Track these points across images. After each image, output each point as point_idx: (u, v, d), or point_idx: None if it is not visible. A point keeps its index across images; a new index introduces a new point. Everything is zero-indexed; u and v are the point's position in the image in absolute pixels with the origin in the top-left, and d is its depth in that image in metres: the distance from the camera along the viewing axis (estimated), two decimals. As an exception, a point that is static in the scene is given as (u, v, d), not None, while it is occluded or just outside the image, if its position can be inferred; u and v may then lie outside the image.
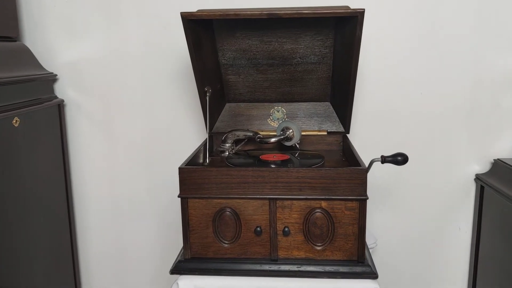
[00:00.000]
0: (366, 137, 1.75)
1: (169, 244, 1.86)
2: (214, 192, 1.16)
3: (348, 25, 1.28)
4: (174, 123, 1.79)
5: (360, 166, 1.15)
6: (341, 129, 1.55)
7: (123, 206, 1.87)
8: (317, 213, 1.16)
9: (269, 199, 1.15)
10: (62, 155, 1.77)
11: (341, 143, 1.55)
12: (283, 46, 1.43)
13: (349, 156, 1.39)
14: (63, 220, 1.78)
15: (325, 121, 1.57)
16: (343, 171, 1.13)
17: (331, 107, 1.57)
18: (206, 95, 1.38)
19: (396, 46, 1.69)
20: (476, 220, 1.77)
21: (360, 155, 1.25)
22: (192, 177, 1.15)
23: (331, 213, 1.16)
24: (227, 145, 1.48)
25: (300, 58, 1.46)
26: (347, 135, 1.54)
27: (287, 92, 1.55)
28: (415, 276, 1.87)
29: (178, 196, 1.17)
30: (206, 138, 1.47)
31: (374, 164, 1.20)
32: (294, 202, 1.16)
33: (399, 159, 1.28)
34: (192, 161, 1.25)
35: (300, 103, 1.58)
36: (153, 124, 1.79)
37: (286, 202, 1.16)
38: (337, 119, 1.56)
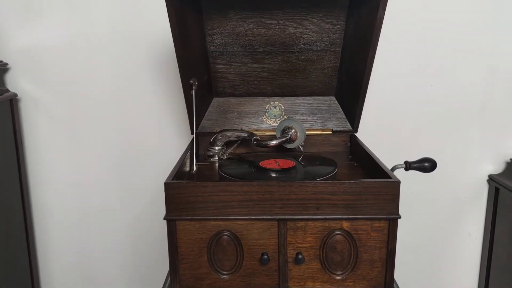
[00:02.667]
0: (370, 135, 1.53)
1: (147, 262, 1.63)
2: (209, 212, 0.93)
3: (367, 5, 1.07)
4: (152, 122, 1.54)
5: (391, 178, 0.93)
6: (348, 127, 1.34)
7: (91, 217, 1.62)
8: (337, 236, 0.95)
9: (278, 220, 0.93)
10: (16, 158, 1.50)
11: (348, 143, 1.34)
12: (285, 30, 1.20)
13: (362, 160, 1.19)
14: (19, 232, 1.51)
15: (330, 118, 1.35)
16: (371, 184, 0.92)
17: (337, 102, 1.36)
18: (192, 89, 1.16)
19: (405, 34, 1.48)
20: (489, 225, 1.61)
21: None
22: (182, 194, 0.92)
23: (354, 235, 0.95)
24: (216, 148, 1.26)
25: (304, 44, 1.23)
26: (355, 134, 1.33)
27: (286, 84, 1.32)
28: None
29: (164, 218, 0.94)
30: (193, 139, 1.22)
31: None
32: (309, 223, 0.94)
33: (426, 165, 1.09)
34: (178, 172, 1.01)
35: (300, 97, 1.36)
36: (127, 123, 1.54)
37: (299, 223, 0.94)
38: (343, 116, 1.35)
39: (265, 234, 0.95)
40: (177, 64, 1.13)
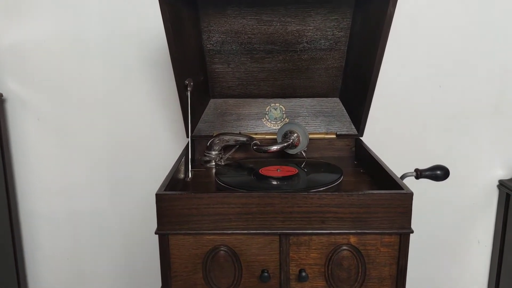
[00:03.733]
0: (375, 139, 1.46)
1: (140, 272, 1.55)
2: (205, 226, 0.85)
3: (375, 1, 1.00)
4: (145, 124, 1.46)
5: (402, 189, 0.85)
6: (353, 131, 1.26)
7: (81, 223, 1.54)
8: (344, 251, 0.87)
9: (280, 234, 0.85)
10: (2, 161, 1.42)
11: (353, 148, 1.26)
12: (287, 27, 1.12)
13: (369, 167, 1.11)
14: (5, 239, 1.44)
15: (334, 121, 1.28)
16: (381, 196, 0.84)
17: (341, 104, 1.29)
18: (187, 89, 1.09)
19: (412, 33, 1.41)
20: (499, 232, 1.54)
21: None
22: (175, 206, 0.84)
23: (362, 251, 0.87)
24: (213, 152, 1.18)
25: (307, 43, 1.15)
26: (361, 138, 1.26)
27: (287, 85, 1.24)
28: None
29: (156, 232, 0.86)
30: (188, 143, 1.15)
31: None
32: (314, 237, 0.87)
33: (439, 174, 1.02)
34: (172, 181, 0.93)
35: (303, 99, 1.28)
36: (118, 126, 1.47)
37: (303, 238, 0.86)
38: (348, 119, 1.28)
39: (266, 249, 0.87)
40: (171, 63, 1.06)
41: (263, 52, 1.17)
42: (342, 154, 1.27)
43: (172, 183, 0.94)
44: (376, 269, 0.88)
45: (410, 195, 0.84)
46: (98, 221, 1.54)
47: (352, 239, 0.87)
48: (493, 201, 1.56)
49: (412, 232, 0.86)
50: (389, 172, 0.95)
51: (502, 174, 1.54)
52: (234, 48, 1.17)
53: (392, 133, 1.49)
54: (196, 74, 1.18)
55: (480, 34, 1.42)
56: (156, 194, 0.84)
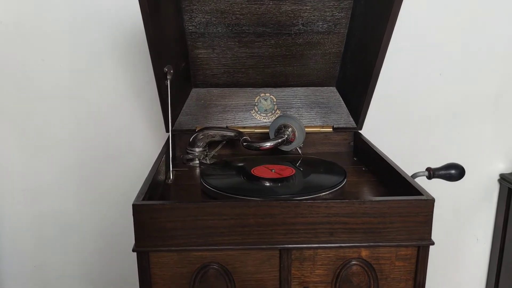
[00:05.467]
0: (370, 131, 1.34)
1: (115, 281, 1.40)
2: (192, 241, 0.72)
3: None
4: (118, 118, 1.32)
5: (422, 194, 0.74)
6: (352, 123, 1.14)
7: (49, 228, 1.39)
8: (354, 267, 0.76)
9: (281, 249, 0.73)
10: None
11: (352, 142, 1.14)
12: (280, 7, 0.99)
13: (371, 164, 1.01)
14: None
15: (330, 113, 1.16)
16: (398, 203, 0.72)
17: (338, 93, 1.16)
18: (166, 78, 0.96)
19: (411, 18, 1.29)
20: (500, 228, 1.46)
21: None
22: (156, 219, 0.71)
23: (374, 266, 0.76)
24: (197, 149, 1.05)
25: (302, 25, 1.02)
26: (360, 131, 1.14)
27: (279, 73, 1.12)
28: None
29: (134, 250, 0.72)
30: (168, 139, 1.01)
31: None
32: (320, 251, 0.74)
33: (453, 173, 0.91)
34: (152, 186, 0.79)
35: (296, 88, 1.16)
36: (88, 119, 1.32)
37: (307, 252, 0.74)
38: (346, 110, 1.16)
39: (264, 266, 0.75)
40: (148, 47, 0.91)
41: (253, 35, 1.04)
42: (339, 150, 1.16)
43: (152, 188, 0.80)
44: (390, 285, 0.77)
45: (431, 202, 0.73)
46: (67, 225, 1.38)
47: (364, 253, 0.75)
48: (493, 197, 1.48)
49: (433, 243, 0.74)
50: (401, 173, 0.83)
51: (503, 168, 1.45)
52: (219, 31, 1.03)
53: (387, 126, 1.38)
54: (177, 60, 1.04)
55: (482, 25, 1.32)
56: (133, 205, 0.70)
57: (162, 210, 0.71)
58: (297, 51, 1.07)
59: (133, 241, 0.72)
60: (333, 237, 0.73)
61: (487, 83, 1.38)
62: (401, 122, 1.39)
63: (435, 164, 1.34)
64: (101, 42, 1.26)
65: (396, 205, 0.72)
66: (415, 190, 0.76)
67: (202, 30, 1.03)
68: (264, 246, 0.73)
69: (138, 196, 0.73)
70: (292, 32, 1.03)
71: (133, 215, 0.71)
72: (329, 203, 0.72)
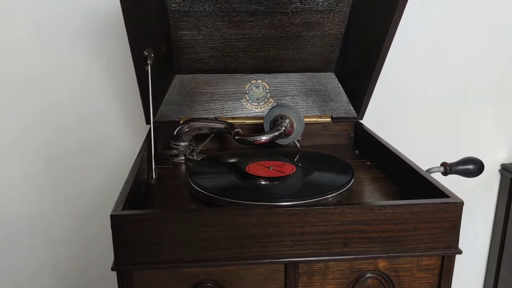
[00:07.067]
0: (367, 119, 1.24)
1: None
2: (183, 257, 0.61)
3: None
4: (93, 108, 1.18)
5: (448, 196, 0.64)
6: (352, 113, 1.04)
7: (17, 231, 1.25)
8: (369, 280, 0.66)
9: (287, 263, 0.62)
10: None
11: (352, 134, 1.04)
12: (276, -19, 0.87)
13: (377, 158, 0.91)
14: None
15: (328, 101, 1.05)
16: (423, 208, 0.62)
17: (336, 79, 1.06)
18: (146, 63, 0.85)
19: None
20: (501, 221, 1.40)
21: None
22: (140, 231, 0.59)
23: (393, 278, 0.66)
24: (182, 144, 0.93)
25: (300, 2, 0.91)
26: (361, 121, 1.04)
27: (272, 57, 1.00)
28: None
29: (113, 269, 0.60)
30: (150, 132, 0.89)
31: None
32: (331, 264, 0.64)
33: (472, 168, 0.82)
34: (132, 191, 0.67)
35: (290, 74, 1.05)
36: (58, 109, 1.17)
37: (317, 266, 0.64)
38: (346, 98, 1.06)
39: (267, 282, 0.65)
40: (125, 28, 0.78)
41: (245, 14, 0.92)
42: (338, 141, 1.06)
43: (133, 191, 0.68)
44: (410, 299, 0.67)
45: (460, 205, 0.63)
46: (37, 227, 1.25)
47: (381, 264, 0.66)
48: (494, 187, 1.41)
49: (461, 252, 0.65)
50: (418, 170, 0.74)
51: (505, 157, 1.38)
52: (206, 9, 0.91)
53: (385, 113, 1.28)
54: (158, 43, 0.91)
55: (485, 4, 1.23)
56: (112, 216, 0.58)
57: (147, 221, 0.59)
58: (294, 32, 0.96)
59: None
60: (348, 248, 0.63)
61: (489, 70, 1.30)
62: (396, 110, 1.30)
63: (434, 155, 1.26)
64: (72, 23, 1.12)
65: (420, 209, 0.63)
66: (438, 191, 0.67)
67: (186, 8, 0.91)
68: (268, 260, 0.62)
69: (117, 204, 0.61)
70: (289, 10, 0.92)
71: (112, 227, 0.59)
72: (344, 209, 0.61)
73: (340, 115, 1.05)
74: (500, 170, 1.39)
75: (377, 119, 1.22)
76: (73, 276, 1.30)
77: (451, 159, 1.20)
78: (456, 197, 0.64)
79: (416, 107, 1.30)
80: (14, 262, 1.28)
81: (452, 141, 1.34)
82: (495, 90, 1.32)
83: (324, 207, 0.61)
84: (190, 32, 0.95)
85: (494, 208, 1.43)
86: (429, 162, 1.05)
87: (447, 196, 0.64)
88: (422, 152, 1.06)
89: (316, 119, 1.04)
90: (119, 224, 0.59)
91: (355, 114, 1.05)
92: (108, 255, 1.15)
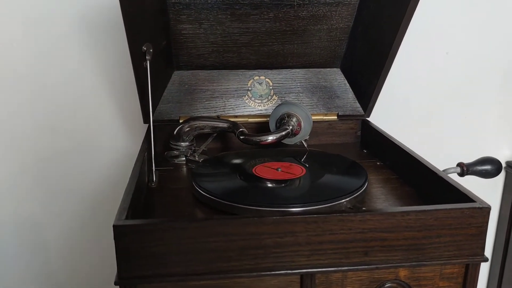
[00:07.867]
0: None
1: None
2: (191, 269, 0.56)
3: None
4: (88, 106, 1.12)
5: (474, 201, 0.60)
6: (359, 110, 1.00)
7: (6, 237, 1.19)
8: (389, 289, 0.61)
9: (304, 274, 0.58)
10: None
11: (359, 132, 1.00)
12: (283, -28, 0.82)
13: (388, 157, 0.87)
14: None
15: (334, 98, 1.01)
16: (448, 213, 0.59)
17: (342, 75, 1.01)
18: (145, 59, 0.80)
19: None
20: (506, 219, 1.38)
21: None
22: (145, 243, 0.54)
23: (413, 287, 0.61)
24: (182, 144, 0.88)
25: (308, -6, 0.86)
26: (368, 119, 1.00)
27: (276, 52, 0.96)
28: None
29: (116, 283, 0.56)
30: (150, 131, 0.83)
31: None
32: (350, 274, 0.60)
33: (490, 169, 0.78)
34: (134, 198, 0.63)
35: (294, 69, 1.01)
36: (51, 107, 1.11)
37: (335, 276, 0.60)
38: (352, 95, 1.02)
39: (281, 294, 0.60)
40: (123, 22, 0.73)
41: (248, 7, 0.87)
42: (345, 140, 1.02)
43: (135, 198, 0.63)
44: (431, 310, 0.63)
45: (487, 210, 0.60)
46: (25, 227, 1.20)
47: (402, 273, 0.62)
48: (499, 185, 1.38)
49: (487, 260, 0.61)
50: (437, 172, 0.70)
51: (510, 155, 1.35)
52: (208, 1, 0.86)
53: (389, 110, 1.24)
54: (157, 38, 0.86)
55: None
56: (115, 226, 0.54)
57: (152, 232, 0.54)
58: (299, 26, 0.91)
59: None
60: (368, 257, 0.59)
61: (494, 64, 1.27)
62: (400, 107, 1.26)
63: (440, 152, 1.23)
64: (67, 16, 1.06)
65: (444, 215, 0.59)
66: (461, 194, 0.63)
67: (187, 0, 0.86)
68: (283, 272, 0.58)
69: (119, 213, 0.56)
70: (295, 3, 0.87)
71: (115, 239, 0.54)
72: (365, 215, 0.57)
73: (347, 113, 1.01)
74: (505, 168, 1.36)
75: (379, 116, 1.19)
76: (64, 279, 1.25)
77: (456, 156, 1.18)
78: (482, 201, 0.60)
79: (419, 104, 1.27)
80: (3, 265, 1.23)
81: (457, 138, 1.31)
82: (499, 87, 1.29)
83: (344, 214, 0.57)
84: (190, 26, 0.90)
85: (498, 207, 1.40)
86: (433, 160, 1.02)
87: (472, 200, 0.61)
88: (426, 149, 1.03)
89: (321, 117, 1.00)
90: (122, 236, 0.54)
91: (362, 111, 1.01)
92: (102, 259, 1.10)
